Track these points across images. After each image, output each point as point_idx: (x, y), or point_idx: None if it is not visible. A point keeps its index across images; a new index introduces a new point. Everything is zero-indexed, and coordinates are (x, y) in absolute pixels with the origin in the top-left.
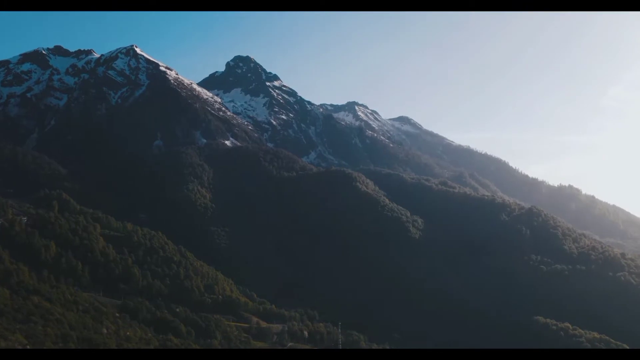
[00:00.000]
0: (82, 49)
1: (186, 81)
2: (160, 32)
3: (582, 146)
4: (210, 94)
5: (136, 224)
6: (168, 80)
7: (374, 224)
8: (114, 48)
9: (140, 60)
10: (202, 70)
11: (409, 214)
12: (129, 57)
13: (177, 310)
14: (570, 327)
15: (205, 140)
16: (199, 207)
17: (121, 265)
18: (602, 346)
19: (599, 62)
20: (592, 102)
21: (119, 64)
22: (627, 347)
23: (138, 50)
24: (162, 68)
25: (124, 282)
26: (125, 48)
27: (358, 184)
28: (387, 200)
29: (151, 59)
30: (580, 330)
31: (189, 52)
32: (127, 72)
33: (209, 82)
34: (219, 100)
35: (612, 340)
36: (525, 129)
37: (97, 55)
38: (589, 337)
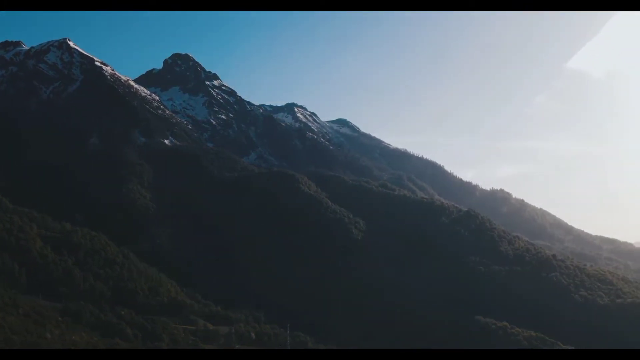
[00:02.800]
0: (9, 40)
1: (123, 77)
2: (91, 26)
3: (510, 152)
4: (148, 92)
5: (73, 225)
6: (104, 76)
7: (317, 226)
8: (45, 41)
9: (74, 54)
10: (137, 67)
11: (351, 216)
12: (61, 51)
13: (122, 313)
14: (509, 326)
15: (144, 139)
16: (139, 207)
17: (61, 267)
18: (539, 344)
19: (525, 70)
20: (519, 109)
21: (51, 57)
22: (560, 344)
23: (71, 43)
24: (97, 63)
25: (64, 285)
26: (57, 41)
27: (301, 185)
28: (329, 202)
29: (85, 53)
30: (517, 329)
31: (122, 48)
32: (60, 67)
33: (145, 80)
34: (157, 98)
35: (547, 338)
36: (457, 134)
37: (26, 47)
38: (525, 336)
